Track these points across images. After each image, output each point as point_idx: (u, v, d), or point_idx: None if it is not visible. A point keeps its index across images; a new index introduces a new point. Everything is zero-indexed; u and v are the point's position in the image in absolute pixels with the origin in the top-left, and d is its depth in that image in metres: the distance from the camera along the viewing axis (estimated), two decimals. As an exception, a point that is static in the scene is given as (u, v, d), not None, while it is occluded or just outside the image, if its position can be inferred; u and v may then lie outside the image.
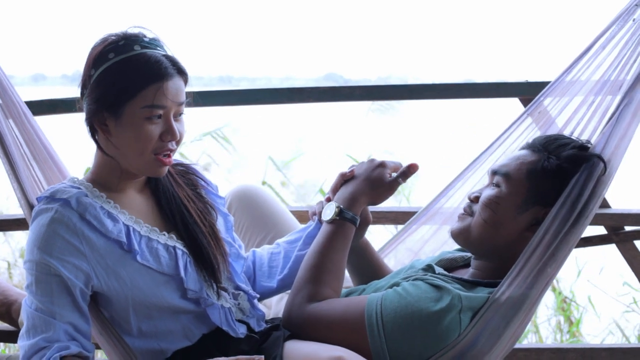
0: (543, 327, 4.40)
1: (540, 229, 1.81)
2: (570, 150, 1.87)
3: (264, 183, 4.90)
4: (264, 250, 2.12)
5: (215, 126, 4.92)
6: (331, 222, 1.97)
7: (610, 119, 1.92)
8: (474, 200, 1.94)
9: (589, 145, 1.91)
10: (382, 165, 2.01)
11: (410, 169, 2.01)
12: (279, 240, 2.13)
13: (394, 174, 2.02)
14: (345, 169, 2.06)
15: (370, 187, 1.99)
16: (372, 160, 2.03)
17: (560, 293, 4.42)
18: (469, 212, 1.93)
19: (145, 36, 1.79)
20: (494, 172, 1.93)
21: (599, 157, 1.85)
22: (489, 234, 1.88)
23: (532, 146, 1.92)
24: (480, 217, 1.89)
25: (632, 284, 4.38)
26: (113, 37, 1.78)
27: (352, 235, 1.98)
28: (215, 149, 5.17)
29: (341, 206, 1.97)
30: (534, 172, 1.87)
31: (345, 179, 2.04)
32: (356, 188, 2.00)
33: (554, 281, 4.42)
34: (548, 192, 1.85)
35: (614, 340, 4.28)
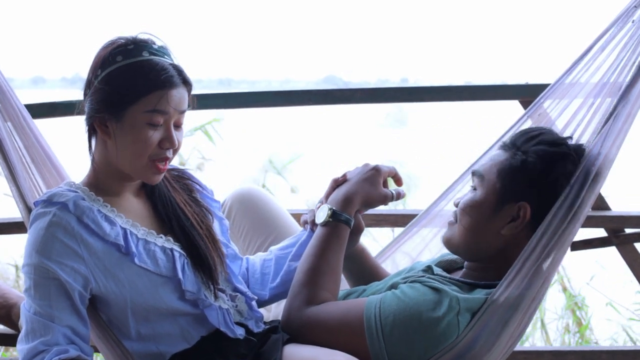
0: (551, 329, 4.39)
1: (538, 230, 1.82)
2: (537, 146, 1.87)
3: (263, 186, 4.89)
4: (256, 258, 2.12)
5: (204, 120, 4.90)
6: (325, 224, 1.97)
7: (607, 119, 1.93)
8: (457, 206, 1.95)
9: (564, 140, 1.90)
10: (375, 169, 2.02)
11: (400, 195, 2.05)
12: (272, 248, 2.14)
13: (395, 189, 2.04)
14: (338, 174, 2.07)
15: (363, 189, 2.00)
16: (366, 165, 2.04)
17: (571, 295, 4.41)
18: (454, 220, 1.95)
19: (154, 43, 1.81)
20: (472, 174, 1.96)
21: (569, 152, 1.86)
22: (470, 239, 1.90)
23: (504, 144, 1.93)
24: (460, 224, 1.92)
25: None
26: (122, 41, 1.79)
27: (347, 236, 1.98)
28: (205, 145, 5.14)
29: (334, 208, 1.97)
30: (503, 170, 1.88)
31: (337, 185, 2.04)
32: (349, 189, 2.00)
33: (567, 282, 4.42)
34: (516, 187, 1.86)
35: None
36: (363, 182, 2.01)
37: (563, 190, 1.83)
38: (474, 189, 1.93)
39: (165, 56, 1.81)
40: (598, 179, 1.85)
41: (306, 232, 2.08)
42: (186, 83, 1.81)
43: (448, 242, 1.95)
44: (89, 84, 1.80)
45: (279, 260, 2.08)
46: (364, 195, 2.00)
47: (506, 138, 1.98)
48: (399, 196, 2.05)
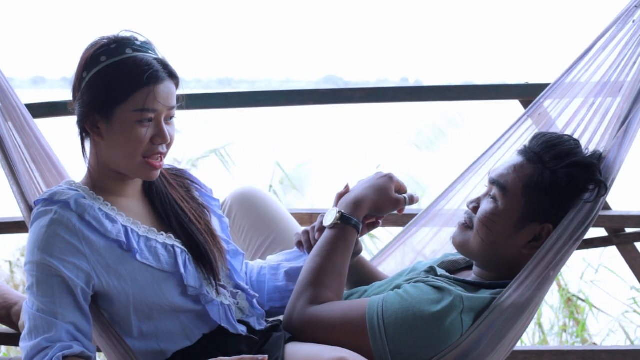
0: (547, 327, 4.40)
1: (552, 236, 1.81)
2: (569, 168, 1.83)
3: (270, 187, 4.89)
4: (255, 264, 2.12)
5: (220, 143, 4.93)
6: (332, 227, 1.97)
7: (622, 124, 1.92)
8: (473, 210, 1.93)
9: (596, 163, 1.86)
10: (388, 176, 2.02)
11: (415, 200, 2.04)
12: (269, 257, 2.14)
13: (408, 194, 2.04)
14: (341, 188, 2.07)
15: (374, 194, 1.99)
16: (379, 172, 2.05)
17: (567, 292, 4.42)
18: (469, 224, 1.92)
19: (137, 40, 1.81)
20: (491, 183, 1.91)
21: (599, 181, 1.82)
22: (488, 252, 1.88)
23: (528, 154, 1.88)
24: (477, 235, 1.89)
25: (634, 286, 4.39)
26: (105, 41, 1.79)
27: (354, 240, 1.98)
28: (217, 168, 5.19)
29: (342, 211, 1.97)
30: (529, 187, 1.84)
31: (342, 197, 2.04)
32: (359, 193, 2.00)
33: (562, 281, 4.43)
34: (544, 208, 1.84)
35: (615, 341, 4.29)
36: (374, 188, 2.00)
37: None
38: (493, 199, 1.88)
39: (150, 51, 1.80)
40: (612, 184, 1.85)
41: (300, 254, 2.09)
42: (173, 76, 1.80)
43: (460, 247, 1.93)
44: (76, 87, 1.80)
45: (271, 273, 2.08)
46: (375, 200, 1.99)
47: (526, 144, 1.92)
48: (412, 200, 2.04)
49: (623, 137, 1.90)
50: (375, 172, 2.05)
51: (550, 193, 1.83)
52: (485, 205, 1.89)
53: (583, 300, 4.36)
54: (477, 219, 1.89)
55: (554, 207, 1.83)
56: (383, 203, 2.00)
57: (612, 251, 3.23)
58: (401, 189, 2.04)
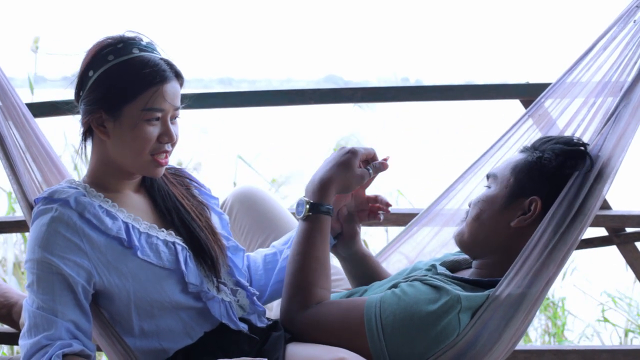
0: (530, 330, 4.41)
1: (539, 228, 1.82)
2: (554, 145, 1.89)
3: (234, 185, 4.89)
4: (257, 254, 2.12)
5: None
6: (305, 218, 1.95)
7: (608, 120, 1.93)
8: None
9: (582, 142, 1.91)
10: (351, 152, 1.98)
11: (382, 166, 2.02)
12: (274, 243, 2.14)
13: (372, 164, 2.01)
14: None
15: (338, 174, 1.95)
16: (342, 149, 2.00)
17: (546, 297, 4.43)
18: (467, 217, 1.97)
19: (142, 40, 1.83)
20: (487, 177, 1.98)
21: (584, 151, 1.87)
22: (479, 231, 1.91)
23: (524, 147, 1.96)
24: (470, 216, 1.94)
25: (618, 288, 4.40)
26: (110, 40, 1.80)
27: (329, 225, 1.96)
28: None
29: (312, 201, 1.95)
30: (518, 167, 1.91)
31: None
32: (323, 176, 1.96)
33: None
34: (530, 183, 1.88)
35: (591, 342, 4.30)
36: (337, 167, 1.96)
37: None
38: (487, 187, 1.95)
39: (155, 51, 1.82)
40: (599, 179, 1.84)
41: None
42: (178, 76, 1.82)
43: (458, 236, 1.96)
44: (81, 86, 1.81)
45: (282, 252, 2.08)
46: (340, 181, 1.96)
47: (527, 144, 1.99)
48: (379, 169, 2.01)
49: (609, 133, 1.90)
50: (339, 149, 2.00)
51: (536, 167, 1.88)
52: (480, 193, 1.96)
53: (558, 306, 4.37)
54: (471, 205, 1.95)
55: (540, 180, 1.87)
56: (348, 182, 1.97)
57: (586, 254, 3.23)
58: (368, 156, 2.01)
